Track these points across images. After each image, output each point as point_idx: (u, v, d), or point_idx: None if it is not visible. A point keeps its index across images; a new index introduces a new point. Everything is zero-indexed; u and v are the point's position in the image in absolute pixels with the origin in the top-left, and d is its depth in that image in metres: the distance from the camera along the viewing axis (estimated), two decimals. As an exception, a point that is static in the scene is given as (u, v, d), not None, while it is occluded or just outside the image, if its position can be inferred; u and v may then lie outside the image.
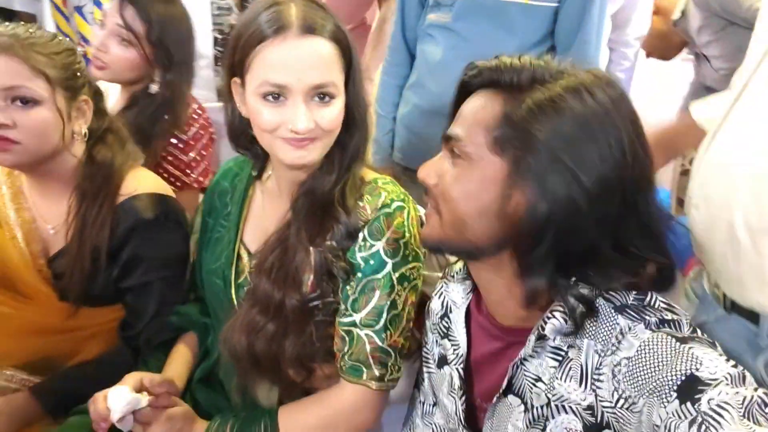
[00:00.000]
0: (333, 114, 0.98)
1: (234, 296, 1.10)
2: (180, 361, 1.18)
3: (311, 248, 1.02)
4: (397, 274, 1.01)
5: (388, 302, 1.01)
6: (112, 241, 1.17)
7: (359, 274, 1.01)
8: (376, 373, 1.01)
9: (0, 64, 1.06)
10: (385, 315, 1.01)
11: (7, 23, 1.14)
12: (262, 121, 0.96)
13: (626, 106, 0.77)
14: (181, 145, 1.64)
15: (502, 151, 0.76)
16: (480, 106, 0.79)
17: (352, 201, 1.02)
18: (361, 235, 1.01)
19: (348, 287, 1.02)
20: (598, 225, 0.73)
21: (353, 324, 1.02)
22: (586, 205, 0.72)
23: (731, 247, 0.83)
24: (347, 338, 1.02)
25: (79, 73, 1.16)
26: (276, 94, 0.95)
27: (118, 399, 0.97)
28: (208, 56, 1.99)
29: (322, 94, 0.96)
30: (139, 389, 1.00)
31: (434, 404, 1.07)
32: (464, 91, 0.85)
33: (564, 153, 0.72)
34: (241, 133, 1.07)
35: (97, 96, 1.25)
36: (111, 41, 1.58)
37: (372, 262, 1.01)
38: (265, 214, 1.14)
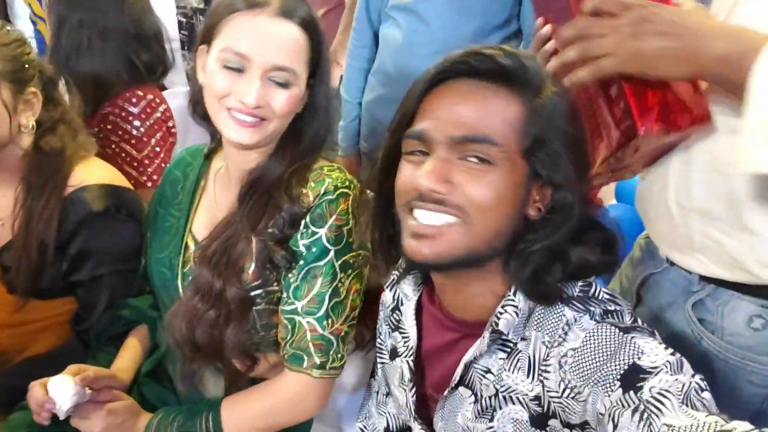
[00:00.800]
0: (285, 99, 0.98)
1: (180, 285, 1.10)
2: (129, 354, 1.17)
3: (253, 236, 1.01)
4: (339, 262, 1.01)
5: (330, 289, 1.00)
6: (59, 234, 1.16)
7: (301, 262, 1.01)
8: (317, 360, 1.01)
9: None
10: (326, 302, 1.00)
11: None
12: (214, 86, 0.97)
13: None
14: (133, 141, 1.61)
15: (528, 155, 0.76)
16: (503, 105, 0.76)
17: (297, 189, 1.02)
18: (303, 222, 1.01)
19: (290, 275, 1.02)
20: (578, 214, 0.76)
21: (295, 312, 1.01)
22: (578, 196, 0.76)
23: (666, 218, 0.87)
24: (289, 326, 1.02)
25: (27, 65, 1.15)
26: (237, 65, 0.96)
27: (63, 389, 0.97)
28: (175, 39, 1.95)
29: (281, 79, 0.97)
30: (84, 384, 1.00)
31: (387, 394, 1.07)
32: (436, 78, 0.80)
33: (569, 148, 0.76)
34: (199, 102, 1.06)
35: (49, 86, 1.23)
36: None
37: (314, 249, 1.00)
38: (216, 203, 1.13)
